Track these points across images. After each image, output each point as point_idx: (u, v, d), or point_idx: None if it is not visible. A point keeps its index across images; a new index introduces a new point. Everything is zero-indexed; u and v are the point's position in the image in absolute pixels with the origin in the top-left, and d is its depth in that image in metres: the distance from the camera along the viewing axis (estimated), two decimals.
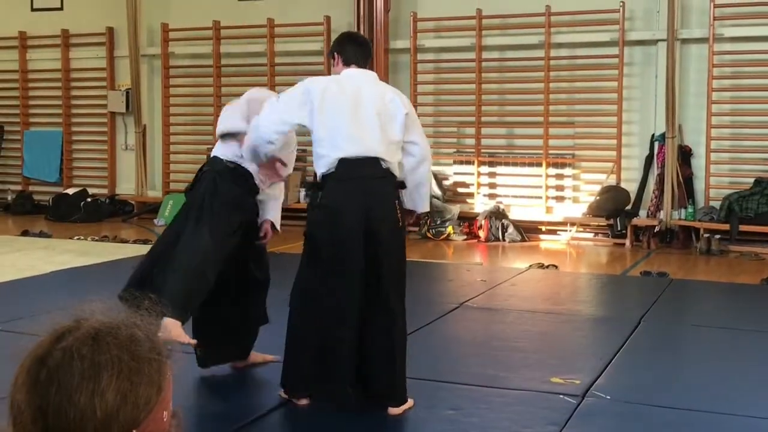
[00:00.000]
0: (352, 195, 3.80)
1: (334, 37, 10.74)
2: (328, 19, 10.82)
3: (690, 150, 9.57)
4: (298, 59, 11.09)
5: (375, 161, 3.83)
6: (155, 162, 12.10)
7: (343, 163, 3.81)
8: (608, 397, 4.03)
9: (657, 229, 9.39)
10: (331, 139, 3.84)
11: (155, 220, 11.16)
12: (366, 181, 3.82)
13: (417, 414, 4.02)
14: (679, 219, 9.37)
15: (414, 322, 5.48)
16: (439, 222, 9.98)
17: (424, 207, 4.11)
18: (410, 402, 3.99)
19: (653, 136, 9.68)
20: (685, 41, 9.59)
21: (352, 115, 3.86)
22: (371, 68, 4.20)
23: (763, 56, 9.12)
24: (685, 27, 9.60)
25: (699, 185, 9.53)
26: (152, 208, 11.57)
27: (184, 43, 11.73)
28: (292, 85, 4.16)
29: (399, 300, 3.96)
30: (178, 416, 1.14)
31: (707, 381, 4.46)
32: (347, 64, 4.06)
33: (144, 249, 8.75)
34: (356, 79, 4.00)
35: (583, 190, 10.14)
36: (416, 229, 10.23)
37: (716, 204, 9.26)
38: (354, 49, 4.10)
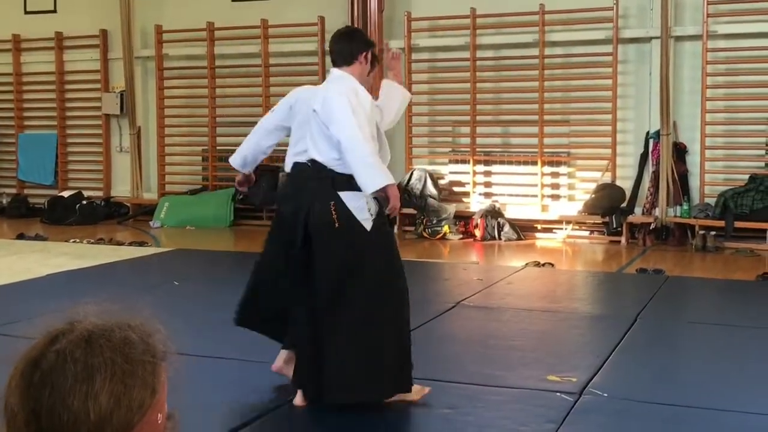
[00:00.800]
0: (290, 197, 4.09)
1: (328, 37, 10.85)
2: (322, 19, 10.82)
3: (685, 147, 9.59)
4: (292, 60, 11.08)
5: (312, 162, 3.99)
6: (150, 164, 12.08)
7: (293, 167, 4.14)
8: (605, 395, 4.03)
9: (652, 226, 9.40)
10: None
11: (151, 222, 11.15)
12: (303, 181, 4.03)
13: (413, 413, 4.02)
14: (675, 216, 9.39)
15: (412, 320, 5.54)
16: (435, 221, 9.98)
17: (368, 187, 3.90)
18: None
19: (648, 133, 9.69)
20: (679, 38, 9.61)
21: (297, 122, 4.30)
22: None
23: (757, 53, 9.14)
24: (678, 24, 9.61)
25: (694, 182, 9.55)
26: (148, 210, 11.56)
27: (178, 44, 11.72)
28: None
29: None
30: (174, 418, 1.14)
31: (703, 378, 4.47)
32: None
33: (139, 251, 8.81)
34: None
35: (578, 188, 10.15)
36: (412, 228, 10.24)
37: (711, 201, 9.28)
38: (332, 50, 4.27)
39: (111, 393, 1.04)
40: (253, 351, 4.93)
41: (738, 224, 8.91)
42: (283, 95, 4.71)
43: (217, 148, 11.59)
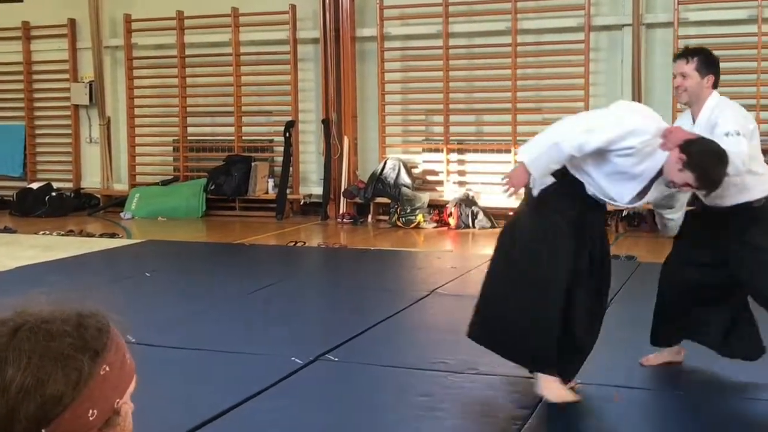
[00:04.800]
0: None
1: (300, 25, 10.86)
2: (293, 7, 10.73)
3: None
4: (263, 48, 10.99)
5: None
6: (120, 155, 11.95)
7: None
8: (578, 381, 4.03)
9: (625, 213, 9.44)
10: None
11: (121, 214, 11.02)
12: None
13: (387, 400, 4.00)
14: (647, 202, 9.41)
15: (384, 310, 5.52)
16: (409, 210, 9.96)
17: None
18: None
19: None
20: (650, 26, 9.63)
21: None
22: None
23: (727, 40, 9.18)
24: (650, 11, 9.64)
25: None
26: (118, 202, 11.42)
27: (147, 33, 11.57)
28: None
29: None
30: (122, 413, 1.10)
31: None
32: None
33: (111, 243, 8.71)
34: None
35: None
36: (386, 217, 10.22)
37: None
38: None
39: (21, 386, 1.02)
40: (223, 342, 4.90)
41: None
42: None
43: (188, 138, 11.49)
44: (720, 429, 3.69)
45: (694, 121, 3.95)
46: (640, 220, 9.43)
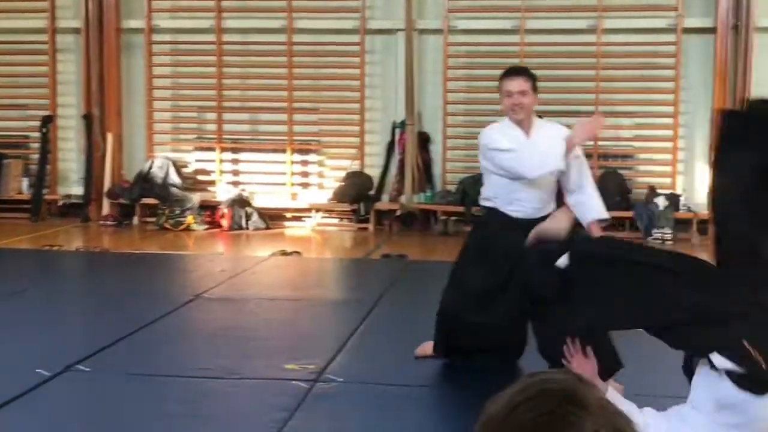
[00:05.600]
0: None
1: (59, 14, 10.10)
2: None
3: (428, 137, 9.84)
4: (18, 37, 10.15)
5: None
6: None
7: None
8: (341, 380, 4.01)
9: (398, 212, 9.59)
10: None
11: None
12: None
13: (141, 411, 3.77)
14: (419, 203, 9.61)
15: (144, 317, 5.18)
16: (178, 211, 9.53)
17: None
18: None
19: (394, 123, 9.84)
20: (423, 31, 9.83)
21: None
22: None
23: (494, 48, 9.52)
24: (422, 18, 9.83)
25: (437, 170, 9.82)
26: None
27: None
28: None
29: None
30: None
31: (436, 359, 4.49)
32: None
33: None
34: None
35: (328, 177, 10.12)
36: (154, 219, 9.71)
37: (452, 188, 9.60)
38: None
39: None
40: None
41: (476, 209, 9.25)
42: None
43: None
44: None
45: (528, 136, 4.10)
46: (413, 220, 9.59)
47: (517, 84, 4.04)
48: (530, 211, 4.05)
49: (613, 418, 0.84)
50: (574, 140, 3.97)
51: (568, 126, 4.27)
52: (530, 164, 3.93)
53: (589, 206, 4.04)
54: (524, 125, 4.08)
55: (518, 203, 4.06)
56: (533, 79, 4.09)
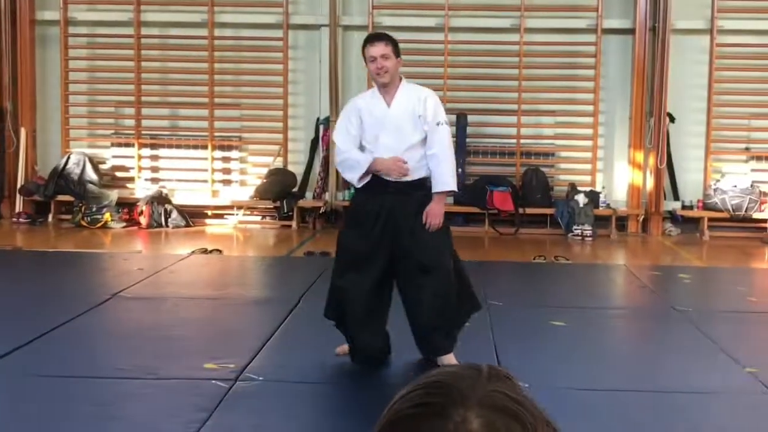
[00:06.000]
0: None
1: None
2: None
3: None
4: None
5: None
6: None
7: None
8: (261, 378, 3.93)
9: (322, 210, 9.52)
10: None
11: None
12: None
13: (53, 413, 3.64)
14: (343, 200, 9.54)
15: (58, 317, 5.01)
16: (95, 209, 9.28)
17: None
18: None
19: (318, 119, 9.76)
20: (347, 28, 9.77)
21: None
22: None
23: (419, 45, 9.53)
24: (346, 14, 9.78)
25: None
26: None
27: None
28: None
29: None
30: None
31: None
32: None
33: None
34: None
35: (250, 173, 9.99)
36: (70, 217, 9.42)
37: None
38: None
39: None
40: None
41: None
42: None
43: None
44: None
45: (389, 106, 4.17)
46: (337, 217, 9.53)
47: (378, 49, 4.10)
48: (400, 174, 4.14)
49: (499, 403, 0.82)
50: (376, 165, 4.11)
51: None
52: (352, 176, 4.17)
53: (435, 177, 4.13)
54: (390, 90, 4.15)
55: None
56: (394, 43, 4.16)
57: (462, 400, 0.78)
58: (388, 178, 4.12)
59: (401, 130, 4.10)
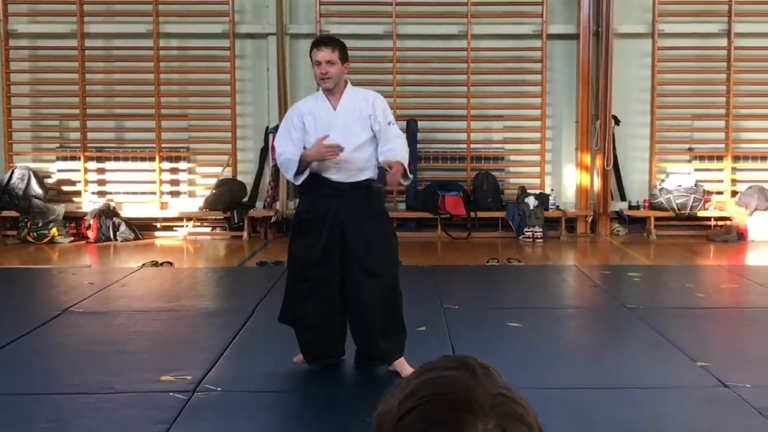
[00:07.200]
0: None
1: None
2: None
3: None
4: None
5: None
6: None
7: None
8: (219, 389, 3.89)
9: (273, 219, 9.47)
10: None
11: None
12: None
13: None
14: (294, 208, 9.50)
15: (6, 335, 4.87)
16: (41, 224, 9.10)
17: None
18: None
19: (267, 128, 9.72)
20: (294, 36, 9.75)
21: None
22: None
23: (367, 53, 9.54)
24: (293, 22, 9.76)
25: None
26: None
27: None
28: None
29: None
30: None
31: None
32: None
33: None
34: None
35: (199, 184, 9.90)
36: (15, 233, 9.22)
37: None
38: None
39: None
40: None
41: None
42: None
43: None
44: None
45: (335, 109, 4.15)
46: (288, 226, 9.47)
47: (324, 54, 4.07)
48: (352, 173, 4.09)
49: (507, 409, 0.82)
50: (306, 156, 4.05)
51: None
52: (290, 175, 4.12)
53: (391, 150, 4.10)
54: (335, 94, 4.13)
55: (335, 167, 4.08)
56: (342, 49, 4.12)
57: (477, 411, 0.77)
58: (331, 178, 4.08)
59: (349, 131, 4.06)
